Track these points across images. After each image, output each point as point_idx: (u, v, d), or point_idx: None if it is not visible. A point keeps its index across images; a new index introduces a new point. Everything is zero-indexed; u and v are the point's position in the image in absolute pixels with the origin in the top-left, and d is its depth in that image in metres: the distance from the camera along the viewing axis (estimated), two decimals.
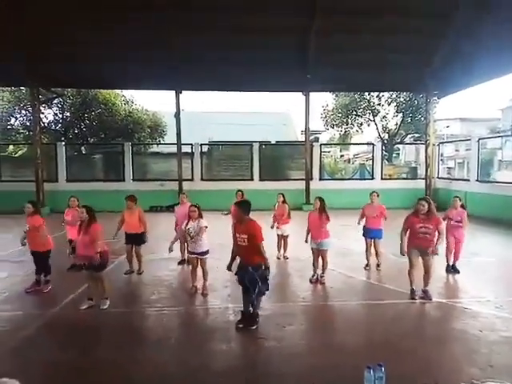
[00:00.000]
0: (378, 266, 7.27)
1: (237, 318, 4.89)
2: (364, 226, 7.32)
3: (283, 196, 8.08)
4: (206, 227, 5.82)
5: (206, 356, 4.14)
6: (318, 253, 6.43)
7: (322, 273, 6.51)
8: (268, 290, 4.81)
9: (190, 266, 6.13)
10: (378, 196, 7.26)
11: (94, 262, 5.19)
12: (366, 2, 12.93)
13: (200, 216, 5.83)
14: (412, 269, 5.71)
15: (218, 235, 7.64)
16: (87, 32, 13.48)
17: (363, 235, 7.34)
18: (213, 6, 12.94)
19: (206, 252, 5.93)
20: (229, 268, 4.88)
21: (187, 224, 5.80)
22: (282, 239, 8.06)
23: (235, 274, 4.82)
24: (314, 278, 6.51)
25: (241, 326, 4.73)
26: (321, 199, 6.42)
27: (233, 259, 4.84)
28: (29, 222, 5.90)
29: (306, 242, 6.60)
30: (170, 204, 14.74)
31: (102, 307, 5.32)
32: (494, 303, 5.52)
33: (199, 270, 6.01)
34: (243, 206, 4.76)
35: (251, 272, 4.56)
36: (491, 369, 3.79)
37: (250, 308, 4.82)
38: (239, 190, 8.53)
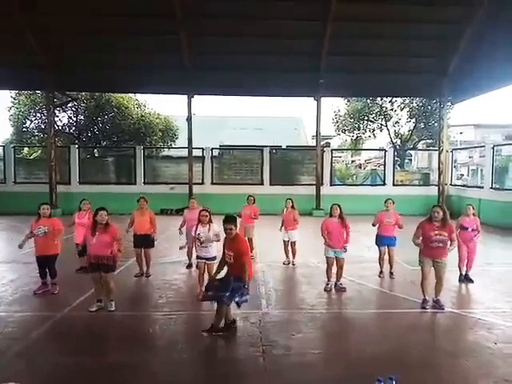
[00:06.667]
0: (391, 274, 7.17)
1: (244, 323, 4.85)
2: (377, 234, 7.22)
3: (292, 201, 8.04)
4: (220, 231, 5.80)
5: (212, 362, 4.10)
6: (335, 261, 6.31)
7: (339, 281, 6.40)
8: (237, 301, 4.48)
9: (198, 271, 6.10)
10: (393, 203, 7.18)
11: (109, 262, 5.25)
12: (379, 8, 12.89)
13: (210, 221, 5.79)
14: (425, 280, 5.60)
15: None
16: (101, 37, 13.73)
17: (376, 243, 7.24)
18: (225, 12, 13.05)
19: (214, 258, 5.88)
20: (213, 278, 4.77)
21: (197, 229, 5.77)
22: (290, 245, 8.00)
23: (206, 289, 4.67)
24: (329, 286, 6.38)
25: (205, 334, 4.58)
26: (339, 206, 6.30)
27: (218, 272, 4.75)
28: (50, 225, 5.91)
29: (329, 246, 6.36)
30: (180, 207, 14.82)
31: (109, 309, 5.36)
32: (510, 314, 5.36)
33: (206, 275, 5.97)
34: (236, 221, 4.70)
35: (231, 280, 4.47)
36: (507, 383, 3.67)
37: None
38: (250, 196, 8.54)
